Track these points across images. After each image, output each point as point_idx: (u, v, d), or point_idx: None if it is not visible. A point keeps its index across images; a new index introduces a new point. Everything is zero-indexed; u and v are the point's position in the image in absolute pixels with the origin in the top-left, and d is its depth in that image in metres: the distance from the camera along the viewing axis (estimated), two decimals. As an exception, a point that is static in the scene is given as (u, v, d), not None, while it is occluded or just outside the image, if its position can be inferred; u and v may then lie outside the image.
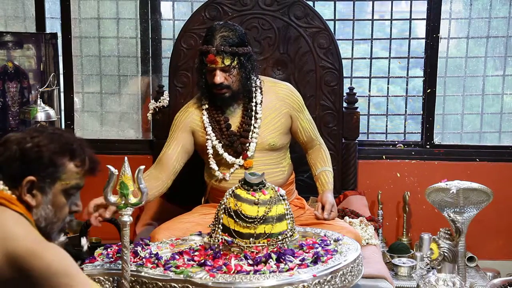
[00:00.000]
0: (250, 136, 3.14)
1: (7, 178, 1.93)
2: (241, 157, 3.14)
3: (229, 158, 3.15)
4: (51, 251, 1.88)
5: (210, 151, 3.15)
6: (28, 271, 1.81)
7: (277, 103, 3.19)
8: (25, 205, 1.94)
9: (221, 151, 3.14)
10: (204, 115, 3.16)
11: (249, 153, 3.14)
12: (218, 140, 3.15)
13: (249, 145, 3.14)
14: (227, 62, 3.01)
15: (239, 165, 3.15)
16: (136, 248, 2.57)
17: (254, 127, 3.14)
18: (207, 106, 3.17)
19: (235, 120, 3.18)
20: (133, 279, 2.40)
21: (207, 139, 3.15)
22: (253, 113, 3.15)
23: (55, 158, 1.97)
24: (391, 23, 4.12)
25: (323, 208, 3.09)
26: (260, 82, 3.19)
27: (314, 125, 3.34)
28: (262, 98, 3.17)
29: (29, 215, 1.95)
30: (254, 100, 3.15)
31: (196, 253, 2.56)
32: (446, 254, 2.93)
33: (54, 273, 1.84)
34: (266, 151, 3.18)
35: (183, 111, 3.23)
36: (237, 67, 3.04)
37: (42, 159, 1.95)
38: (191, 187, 3.83)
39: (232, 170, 3.15)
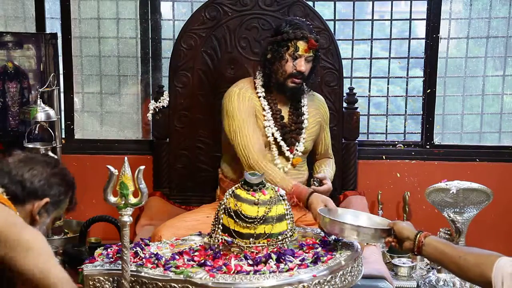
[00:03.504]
0: (302, 136, 3.26)
1: (19, 191, 2.17)
2: (288, 151, 3.24)
3: (284, 147, 3.23)
4: (33, 231, 2.10)
5: (271, 138, 3.22)
6: (6, 242, 2.00)
7: (313, 110, 3.34)
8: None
9: (279, 138, 3.22)
10: (263, 100, 3.23)
11: (298, 153, 3.25)
12: (276, 128, 3.22)
13: (299, 143, 3.25)
14: (315, 52, 3.18)
15: (287, 159, 3.24)
16: (136, 249, 2.57)
17: (303, 127, 3.28)
18: (264, 94, 3.24)
19: (285, 114, 3.27)
20: (133, 279, 2.40)
21: (266, 125, 3.22)
22: (302, 113, 3.27)
23: (67, 190, 2.29)
24: (391, 23, 4.12)
25: (320, 184, 3.13)
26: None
27: (330, 141, 3.49)
28: (307, 102, 3.31)
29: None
30: (302, 102, 3.28)
31: (196, 253, 2.56)
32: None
33: (30, 248, 2.03)
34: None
35: (242, 96, 3.20)
36: (315, 60, 3.21)
37: (62, 186, 2.26)
38: (191, 188, 3.84)
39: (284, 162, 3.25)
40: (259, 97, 3.23)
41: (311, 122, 3.31)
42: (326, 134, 3.45)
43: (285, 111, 3.28)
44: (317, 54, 3.20)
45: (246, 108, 3.19)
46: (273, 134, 3.21)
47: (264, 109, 3.22)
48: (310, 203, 2.87)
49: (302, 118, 3.28)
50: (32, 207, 2.18)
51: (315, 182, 3.13)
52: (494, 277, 2.03)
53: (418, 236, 2.33)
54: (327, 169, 3.34)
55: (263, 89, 3.24)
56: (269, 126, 3.21)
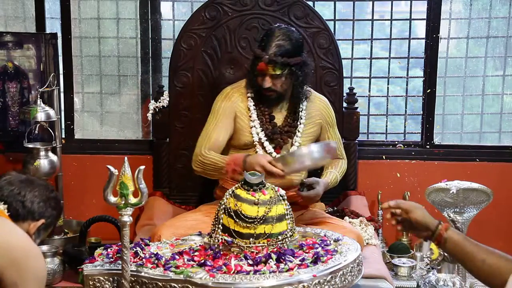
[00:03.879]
0: (294, 139, 3.25)
1: (20, 209, 2.30)
2: (274, 151, 3.23)
3: (269, 147, 3.22)
4: (42, 258, 2.29)
5: (256, 137, 3.22)
6: (20, 264, 2.14)
7: (313, 112, 3.32)
8: None
9: (263, 139, 3.22)
10: (250, 101, 3.24)
11: (284, 153, 3.22)
12: (261, 129, 3.23)
13: (291, 146, 3.24)
14: (278, 71, 3.10)
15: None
16: (136, 249, 2.57)
17: (299, 131, 3.26)
18: (253, 95, 3.25)
19: (279, 116, 3.27)
20: (133, 279, 2.40)
21: (252, 126, 3.23)
22: (299, 117, 3.26)
23: (58, 215, 2.46)
24: (391, 23, 4.12)
25: (308, 189, 3.16)
26: (307, 92, 3.31)
27: (340, 141, 3.48)
28: (307, 105, 3.29)
29: None
30: (301, 107, 3.27)
31: (196, 253, 2.57)
32: (446, 254, 2.93)
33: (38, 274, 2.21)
34: None
35: (228, 96, 3.28)
36: (287, 76, 3.13)
37: (56, 210, 2.41)
38: (191, 188, 3.83)
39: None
40: (248, 97, 3.25)
41: (308, 124, 3.30)
42: (331, 135, 3.40)
43: (281, 115, 3.28)
44: (290, 70, 3.11)
45: (226, 107, 3.25)
46: (257, 134, 3.23)
47: (250, 112, 3.24)
48: (249, 163, 2.95)
49: (298, 123, 3.27)
50: (28, 227, 2.30)
51: (300, 187, 3.15)
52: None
53: (439, 228, 2.16)
54: (331, 171, 3.33)
55: (253, 89, 3.26)
56: (254, 126, 3.22)
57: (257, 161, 2.94)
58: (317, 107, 3.35)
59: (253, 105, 3.24)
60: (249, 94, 3.26)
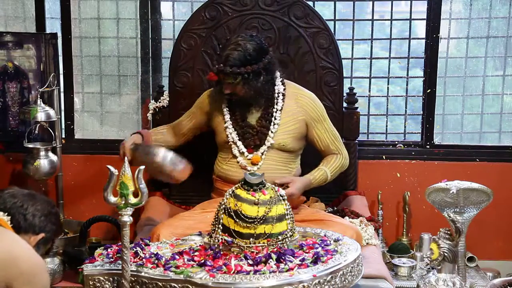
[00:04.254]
0: (266, 140, 3.26)
1: (22, 222, 2.36)
2: (246, 151, 3.27)
3: (242, 146, 3.27)
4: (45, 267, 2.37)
5: (230, 137, 3.29)
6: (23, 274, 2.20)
7: (296, 109, 3.31)
8: None
9: (235, 138, 3.28)
10: (225, 103, 3.32)
11: (259, 153, 3.26)
12: (234, 129, 3.29)
13: (260, 146, 3.27)
14: (229, 80, 3.15)
15: (248, 159, 3.26)
16: (136, 249, 2.57)
17: (271, 132, 3.27)
18: (228, 96, 3.30)
19: (254, 116, 3.30)
20: (133, 279, 2.40)
21: (226, 126, 3.30)
22: (272, 118, 3.27)
23: (57, 231, 2.52)
24: (391, 23, 4.12)
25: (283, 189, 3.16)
26: (283, 89, 3.31)
27: (335, 137, 3.41)
28: (283, 105, 3.29)
29: None
30: (275, 107, 3.28)
31: (196, 253, 2.57)
32: (446, 254, 2.93)
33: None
34: (276, 150, 3.28)
35: (210, 93, 3.42)
36: (241, 84, 3.15)
37: (56, 225, 2.46)
38: (192, 188, 3.83)
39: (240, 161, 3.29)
40: (225, 98, 3.30)
41: (288, 121, 3.29)
42: (320, 131, 3.36)
43: (256, 115, 3.29)
44: (242, 77, 3.13)
45: (202, 101, 3.44)
46: (231, 134, 3.29)
47: (224, 114, 3.32)
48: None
49: (271, 123, 3.27)
50: (29, 240, 2.34)
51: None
52: None
53: None
54: (320, 168, 3.31)
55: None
56: (227, 126, 3.29)
57: (123, 143, 3.19)
58: (299, 103, 3.32)
59: (227, 106, 3.32)
60: (226, 96, 3.30)
